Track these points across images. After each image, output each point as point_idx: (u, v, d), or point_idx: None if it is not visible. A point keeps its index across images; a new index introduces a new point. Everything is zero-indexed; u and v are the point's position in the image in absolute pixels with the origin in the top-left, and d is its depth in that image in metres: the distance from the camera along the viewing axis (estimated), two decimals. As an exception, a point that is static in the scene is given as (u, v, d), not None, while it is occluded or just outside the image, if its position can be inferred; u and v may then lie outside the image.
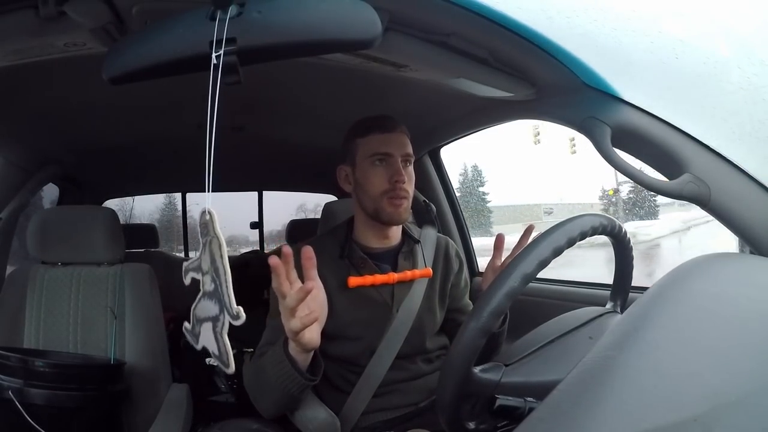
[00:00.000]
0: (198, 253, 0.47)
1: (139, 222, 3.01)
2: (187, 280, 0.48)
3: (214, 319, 0.44)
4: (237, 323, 0.42)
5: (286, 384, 0.80)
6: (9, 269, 1.50)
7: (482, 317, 0.50)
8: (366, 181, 0.96)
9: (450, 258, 1.08)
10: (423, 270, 1.01)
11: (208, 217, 0.44)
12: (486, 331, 0.50)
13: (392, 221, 0.96)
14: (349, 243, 0.99)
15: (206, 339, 0.45)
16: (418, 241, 1.04)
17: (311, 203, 3.20)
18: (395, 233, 1.02)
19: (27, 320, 1.26)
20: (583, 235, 0.54)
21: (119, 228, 1.38)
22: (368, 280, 0.96)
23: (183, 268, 0.49)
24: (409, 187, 0.97)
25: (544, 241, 0.52)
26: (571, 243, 0.53)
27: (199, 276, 0.46)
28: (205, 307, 0.45)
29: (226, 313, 0.43)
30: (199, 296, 0.46)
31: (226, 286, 0.43)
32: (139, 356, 1.27)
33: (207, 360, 0.48)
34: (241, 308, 0.42)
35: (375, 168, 0.95)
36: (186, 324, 0.48)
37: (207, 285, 0.45)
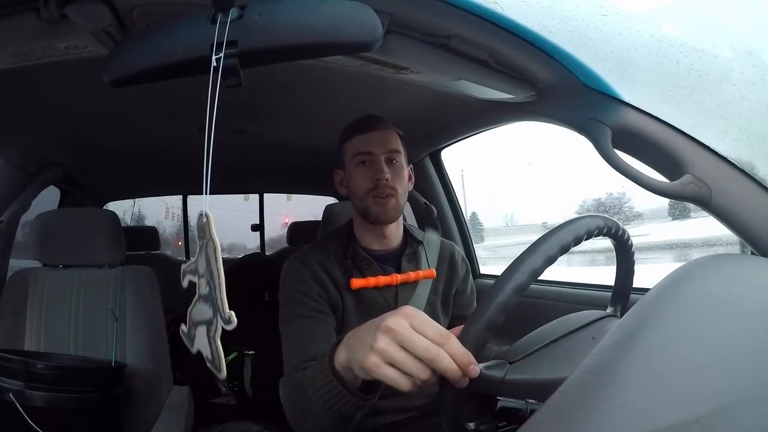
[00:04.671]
0: (196, 256, 0.47)
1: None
2: (185, 283, 0.48)
3: (209, 323, 0.44)
4: (229, 327, 0.42)
5: (338, 407, 0.66)
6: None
7: (489, 311, 0.50)
8: (352, 182, 0.97)
9: (456, 264, 1.07)
10: (426, 271, 1.00)
11: (204, 219, 0.44)
12: (492, 325, 0.50)
13: (379, 220, 0.95)
14: (352, 244, 0.99)
15: (201, 342, 0.45)
16: (420, 242, 1.03)
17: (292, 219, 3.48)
18: (394, 234, 1.01)
19: (28, 322, 1.26)
20: (588, 234, 0.54)
21: (120, 230, 1.38)
22: (371, 281, 0.95)
23: (181, 270, 0.49)
24: (397, 184, 0.94)
25: (552, 238, 0.52)
26: (577, 241, 0.53)
27: (195, 278, 0.47)
28: (200, 310, 0.45)
29: (219, 317, 0.43)
30: (195, 299, 0.47)
31: (220, 290, 0.43)
32: (140, 359, 1.27)
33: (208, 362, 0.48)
34: (233, 313, 0.42)
35: (359, 168, 0.96)
36: (183, 326, 0.48)
37: (203, 288, 0.46)
